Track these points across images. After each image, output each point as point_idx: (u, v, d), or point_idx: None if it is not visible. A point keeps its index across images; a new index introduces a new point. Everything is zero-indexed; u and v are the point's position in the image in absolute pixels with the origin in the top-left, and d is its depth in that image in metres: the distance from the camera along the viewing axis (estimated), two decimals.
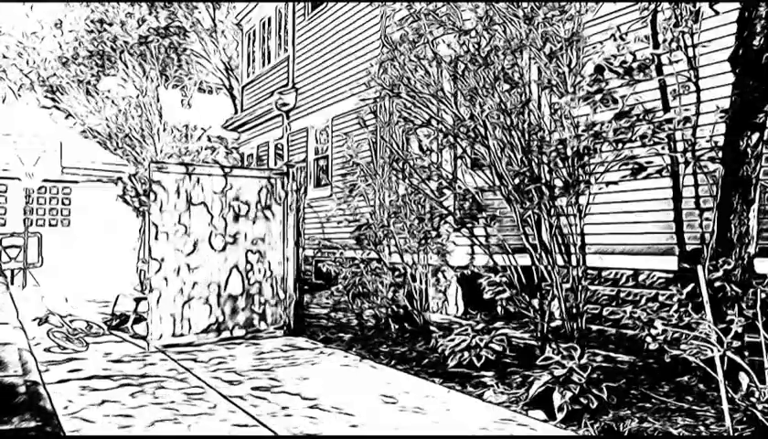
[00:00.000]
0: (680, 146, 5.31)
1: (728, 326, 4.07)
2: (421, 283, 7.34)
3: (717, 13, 5.07)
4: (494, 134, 5.71)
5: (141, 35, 17.50)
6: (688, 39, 5.10)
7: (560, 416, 4.28)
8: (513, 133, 5.61)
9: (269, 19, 15.95)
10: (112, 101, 17.28)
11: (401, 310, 7.57)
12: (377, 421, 4.33)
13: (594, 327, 7.31)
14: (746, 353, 4.34)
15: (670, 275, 6.60)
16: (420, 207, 7.07)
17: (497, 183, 5.77)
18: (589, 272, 6.28)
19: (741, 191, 4.65)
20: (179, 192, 7.11)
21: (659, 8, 5.23)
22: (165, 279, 6.97)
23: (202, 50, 20.46)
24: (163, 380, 5.49)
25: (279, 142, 15.43)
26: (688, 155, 5.07)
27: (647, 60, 4.72)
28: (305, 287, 11.52)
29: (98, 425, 4.21)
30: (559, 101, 5.25)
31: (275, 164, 15.31)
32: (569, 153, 5.17)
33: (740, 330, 4.10)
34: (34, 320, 8.17)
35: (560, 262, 5.55)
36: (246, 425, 4.24)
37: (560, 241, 5.56)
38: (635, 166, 4.84)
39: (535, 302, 5.74)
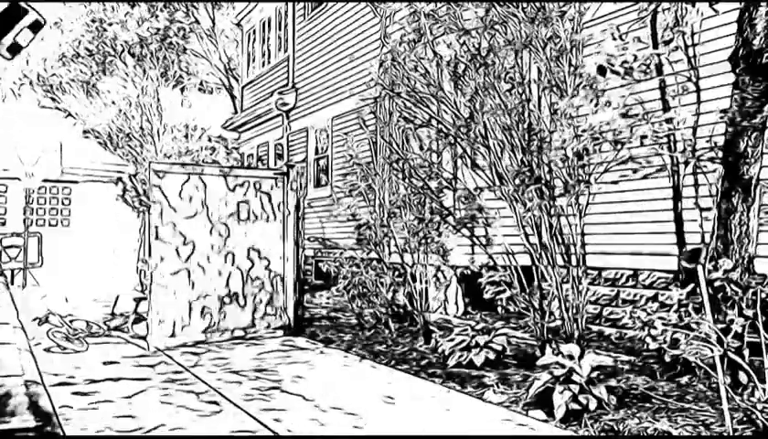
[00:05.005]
0: (680, 146, 5.31)
1: (728, 326, 4.06)
2: (420, 282, 7.34)
3: (717, 12, 5.07)
4: (494, 134, 5.71)
5: (140, 35, 17.49)
6: (688, 39, 5.11)
7: (559, 416, 4.28)
8: (513, 133, 5.61)
9: (269, 19, 15.95)
10: (112, 101, 17.27)
11: (401, 310, 7.57)
12: (377, 421, 4.33)
13: (594, 327, 7.31)
14: (746, 353, 4.34)
15: (670, 275, 6.60)
16: (420, 207, 7.07)
17: (497, 183, 5.77)
18: (589, 272, 6.28)
19: (741, 191, 4.64)
20: (179, 193, 7.10)
21: (659, 8, 5.23)
22: (165, 279, 6.97)
23: (202, 50, 20.46)
24: (163, 380, 5.49)
25: (279, 142, 15.43)
26: (688, 155, 5.07)
27: (647, 60, 4.71)
28: (305, 287, 11.52)
29: (98, 425, 4.21)
30: (558, 101, 5.25)
31: (275, 164, 15.31)
32: (569, 153, 5.17)
33: (740, 330, 4.09)
34: (34, 320, 8.17)
35: (559, 262, 5.55)
36: (247, 426, 4.24)
37: (560, 241, 5.56)
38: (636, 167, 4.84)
39: (535, 302, 5.74)
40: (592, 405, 4.30)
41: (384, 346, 6.96)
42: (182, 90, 20.27)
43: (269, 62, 16.04)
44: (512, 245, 5.93)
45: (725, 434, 3.84)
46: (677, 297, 4.30)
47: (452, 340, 5.97)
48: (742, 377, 4.31)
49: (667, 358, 4.37)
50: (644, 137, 4.67)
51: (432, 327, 7.12)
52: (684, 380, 4.97)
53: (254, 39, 16.82)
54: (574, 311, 5.44)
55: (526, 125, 5.63)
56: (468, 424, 4.28)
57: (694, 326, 4.00)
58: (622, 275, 7.25)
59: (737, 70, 4.65)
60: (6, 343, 6.64)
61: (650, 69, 4.82)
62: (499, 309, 6.01)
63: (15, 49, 4.25)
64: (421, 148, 6.96)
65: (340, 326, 8.40)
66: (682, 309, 4.18)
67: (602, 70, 4.65)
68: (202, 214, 7.26)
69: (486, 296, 5.93)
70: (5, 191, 18.86)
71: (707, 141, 4.93)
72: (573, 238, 5.50)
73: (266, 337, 7.59)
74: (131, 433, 4.06)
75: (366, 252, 7.90)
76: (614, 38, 4.69)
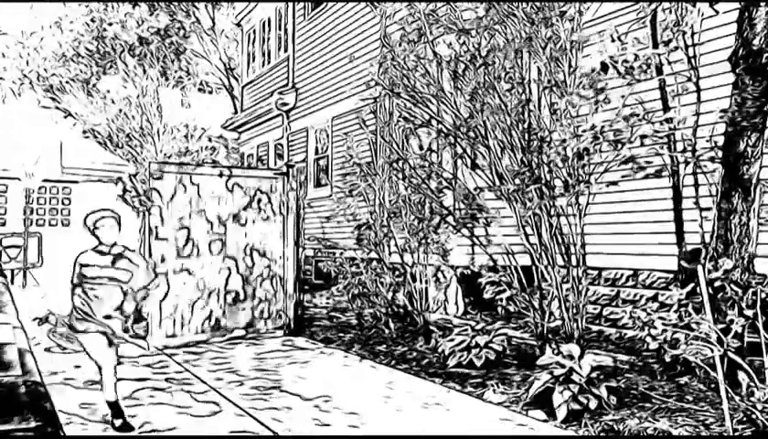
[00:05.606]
0: (680, 146, 5.31)
1: (728, 326, 4.06)
2: (421, 282, 7.34)
3: (717, 12, 5.07)
4: (494, 134, 5.71)
5: (140, 35, 17.50)
6: (688, 39, 5.10)
7: (560, 416, 4.28)
8: (513, 133, 5.61)
9: (269, 19, 15.95)
10: (112, 101, 17.27)
11: (401, 310, 7.57)
12: (376, 421, 4.33)
13: (594, 328, 7.31)
14: (746, 353, 4.34)
15: (670, 275, 6.60)
16: (420, 207, 7.07)
17: (497, 183, 5.78)
18: (589, 272, 6.28)
19: (741, 191, 4.64)
20: (179, 193, 7.10)
21: (659, 8, 5.23)
22: (165, 280, 6.96)
23: (202, 50, 20.47)
24: (163, 380, 5.49)
25: (279, 142, 15.43)
26: (688, 154, 5.07)
27: (647, 60, 4.71)
28: (305, 287, 11.52)
29: (98, 425, 4.21)
30: (558, 101, 5.25)
31: (275, 164, 15.30)
32: (569, 153, 5.17)
33: (740, 330, 4.09)
34: (34, 320, 8.15)
35: (559, 261, 5.55)
36: (247, 426, 4.24)
37: (560, 241, 5.56)
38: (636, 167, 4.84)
39: (535, 302, 5.74)
40: (593, 405, 4.30)
41: (384, 346, 6.96)
42: (182, 90, 20.27)
43: (269, 62, 16.04)
44: (512, 245, 5.93)
45: (725, 434, 3.84)
46: (677, 297, 4.30)
47: (452, 340, 5.97)
48: (742, 377, 4.30)
49: (667, 358, 4.36)
50: (644, 137, 4.67)
51: (432, 327, 7.12)
52: (684, 380, 4.97)
53: (254, 39, 16.82)
54: (574, 311, 5.44)
55: (526, 125, 5.63)
56: (468, 424, 4.28)
57: (694, 325, 4.00)
58: (622, 275, 7.25)
59: (737, 70, 4.65)
60: (7, 343, 6.64)
61: (650, 69, 4.82)
62: (499, 309, 6.02)
63: None
64: (421, 148, 6.96)
65: (340, 326, 8.40)
66: (682, 309, 4.18)
67: (604, 67, 4.65)
68: (202, 214, 7.26)
69: (486, 296, 5.93)
70: (5, 191, 18.86)
71: (707, 141, 4.93)
72: (573, 238, 5.50)
73: (266, 337, 7.59)
74: (131, 433, 4.06)
75: (366, 252, 7.90)
76: (613, 40, 4.70)
